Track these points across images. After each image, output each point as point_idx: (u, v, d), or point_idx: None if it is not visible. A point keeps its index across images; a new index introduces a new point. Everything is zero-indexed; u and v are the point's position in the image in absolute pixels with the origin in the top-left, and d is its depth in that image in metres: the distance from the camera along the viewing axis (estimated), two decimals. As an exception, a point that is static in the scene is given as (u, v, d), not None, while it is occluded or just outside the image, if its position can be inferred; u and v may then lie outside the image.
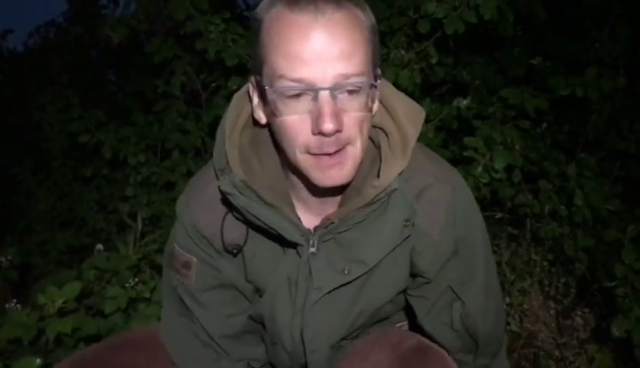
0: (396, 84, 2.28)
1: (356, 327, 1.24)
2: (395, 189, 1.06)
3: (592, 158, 2.74)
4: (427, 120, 2.51)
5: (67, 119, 3.38)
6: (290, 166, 1.08)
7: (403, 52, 2.35)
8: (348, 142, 0.99)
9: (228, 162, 1.08)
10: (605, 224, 2.59)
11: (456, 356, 1.26)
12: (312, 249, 1.11)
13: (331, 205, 1.15)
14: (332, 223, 1.09)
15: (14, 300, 1.97)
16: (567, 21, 3.06)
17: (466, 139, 2.35)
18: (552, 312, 2.72)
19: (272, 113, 1.00)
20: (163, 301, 1.32)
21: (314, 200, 1.14)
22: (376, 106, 1.06)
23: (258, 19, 0.98)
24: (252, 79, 1.06)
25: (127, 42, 3.44)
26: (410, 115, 1.08)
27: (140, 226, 2.48)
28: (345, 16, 0.94)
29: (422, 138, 1.16)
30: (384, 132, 1.10)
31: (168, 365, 1.29)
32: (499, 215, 2.85)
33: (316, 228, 1.13)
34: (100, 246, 2.30)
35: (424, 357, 1.18)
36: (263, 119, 1.07)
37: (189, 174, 3.15)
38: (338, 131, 0.95)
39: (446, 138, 2.73)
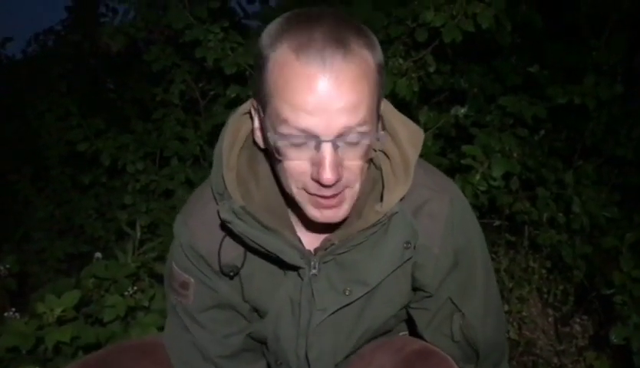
0: (394, 93, 2.30)
1: (360, 344, 1.24)
2: (396, 212, 1.06)
3: (589, 165, 2.75)
4: (425, 128, 2.52)
5: (66, 127, 3.39)
6: (286, 195, 1.08)
7: (401, 61, 2.36)
8: (346, 186, 0.99)
9: (226, 187, 1.07)
10: (603, 231, 2.59)
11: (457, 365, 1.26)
12: (313, 271, 1.11)
13: (331, 226, 1.13)
14: (333, 244, 1.09)
15: (13, 309, 1.97)
16: (564, 29, 3.07)
17: (465, 148, 2.35)
18: (550, 319, 2.72)
19: (272, 150, 0.99)
20: (167, 312, 1.32)
21: (313, 221, 1.14)
22: (376, 151, 1.07)
23: (264, 56, 0.95)
24: (255, 103, 1.04)
25: (126, 50, 3.46)
26: (411, 137, 1.08)
27: (138, 234, 2.48)
28: (353, 65, 0.91)
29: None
30: (385, 154, 1.09)
31: None
32: (497, 223, 2.86)
33: (316, 250, 1.13)
34: (98, 254, 2.30)
35: (428, 361, 1.18)
36: (262, 144, 1.07)
37: (188, 182, 3.16)
38: (337, 181, 0.95)
39: (444, 146, 2.73)
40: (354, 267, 1.11)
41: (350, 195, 1.01)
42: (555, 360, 2.53)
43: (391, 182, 1.07)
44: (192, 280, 1.20)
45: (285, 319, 1.20)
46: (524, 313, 2.67)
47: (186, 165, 3.21)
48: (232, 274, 1.15)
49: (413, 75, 2.37)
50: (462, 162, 2.34)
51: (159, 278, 2.35)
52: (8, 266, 2.48)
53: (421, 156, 1.12)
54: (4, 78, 5.31)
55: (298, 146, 0.94)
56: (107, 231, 3.38)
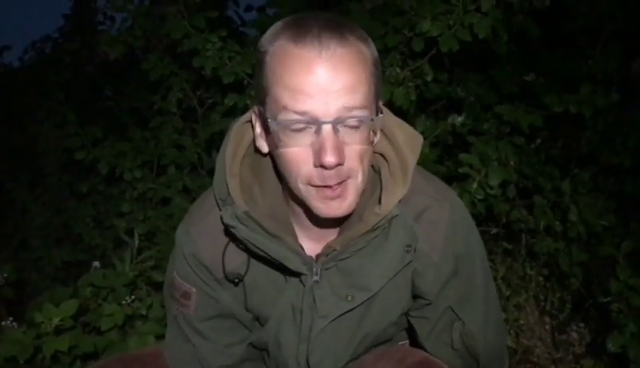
0: (391, 102, 2.31)
1: (361, 351, 1.24)
2: (396, 215, 1.06)
3: (586, 173, 2.76)
4: (422, 137, 2.53)
5: (64, 135, 3.39)
6: (291, 195, 1.08)
7: (398, 70, 2.37)
8: (349, 176, 0.99)
9: (229, 193, 1.08)
10: (600, 239, 2.60)
11: None
12: (315, 277, 1.12)
13: (332, 232, 1.15)
14: (334, 250, 1.10)
15: (11, 318, 1.96)
16: (560, 38, 3.09)
17: (462, 156, 2.36)
18: (547, 327, 2.73)
19: (274, 144, 1.01)
20: (168, 322, 1.32)
21: (315, 227, 1.14)
22: (377, 137, 1.07)
23: (262, 51, 0.98)
24: (255, 109, 1.06)
25: (124, 58, 3.47)
26: (409, 141, 1.09)
27: (136, 242, 2.48)
28: (349, 51, 0.94)
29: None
30: (384, 157, 1.10)
31: None
32: (494, 231, 2.86)
33: (318, 256, 1.13)
34: (96, 263, 2.30)
35: None
36: (265, 149, 1.07)
37: (185, 190, 3.16)
38: (339, 164, 0.96)
39: (441, 154, 2.74)
40: (355, 273, 1.11)
41: (354, 186, 1.01)
42: (553, 368, 2.53)
43: (390, 184, 1.08)
44: (193, 289, 1.20)
45: (287, 325, 1.20)
46: (521, 321, 2.67)
47: (184, 173, 3.21)
48: (236, 280, 1.15)
49: (410, 84, 2.38)
50: (459, 170, 2.35)
51: (156, 287, 2.35)
52: (5, 274, 2.48)
53: (419, 163, 1.13)
54: (1, 86, 5.31)
55: (298, 131, 0.96)
56: (105, 239, 3.38)
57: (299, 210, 1.12)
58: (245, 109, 2.28)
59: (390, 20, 2.49)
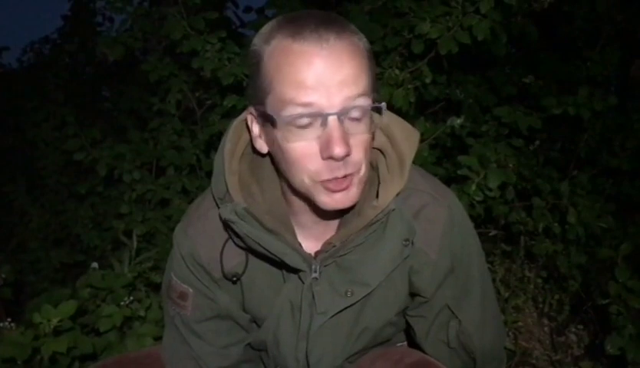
0: (390, 103, 2.31)
1: (359, 348, 1.24)
2: (393, 210, 1.07)
3: (584, 175, 2.77)
4: (421, 139, 2.53)
5: (62, 136, 3.38)
6: (293, 192, 1.08)
7: (397, 71, 2.37)
8: (356, 167, 1.00)
9: (228, 191, 1.08)
10: (598, 241, 2.61)
11: None
12: (315, 274, 1.12)
13: (330, 229, 1.15)
14: (333, 247, 1.10)
15: (9, 319, 1.96)
16: (559, 40, 3.10)
17: (461, 158, 2.36)
18: (546, 329, 2.73)
19: (276, 142, 1.01)
20: (165, 324, 1.32)
21: (314, 225, 1.14)
22: (377, 130, 1.08)
23: (258, 51, 0.99)
24: (252, 110, 1.06)
25: (123, 59, 3.46)
26: (406, 136, 1.10)
27: (135, 244, 2.48)
28: (347, 43, 0.96)
29: (417, 156, 1.18)
30: (382, 152, 1.11)
31: None
32: (493, 233, 2.87)
33: (317, 253, 1.13)
34: (95, 264, 2.30)
35: None
36: (265, 149, 1.07)
37: (184, 191, 3.16)
38: (347, 155, 0.97)
39: (440, 156, 2.75)
40: (354, 269, 1.12)
41: (358, 179, 1.02)
42: (551, 370, 2.53)
43: (387, 178, 1.09)
44: (190, 290, 1.21)
45: (286, 323, 1.20)
46: (520, 323, 2.67)
47: (183, 174, 3.21)
48: (234, 279, 1.15)
49: (409, 86, 2.38)
50: (458, 172, 2.36)
51: (155, 288, 2.35)
52: (3, 275, 2.48)
53: (418, 164, 1.14)
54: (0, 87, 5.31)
55: (304, 127, 0.96)
56: (103, 240, 3.37)
57: (299, 208, 1.13)
58: (245, 110, 2.28)
59: (389, 22, 2.49)
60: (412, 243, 1.10)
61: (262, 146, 1.08)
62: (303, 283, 1.14)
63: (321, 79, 0.93)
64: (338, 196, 1.01)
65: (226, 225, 1.08)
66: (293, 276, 1.16)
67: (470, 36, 2.23)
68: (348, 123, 0.97)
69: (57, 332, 1.81)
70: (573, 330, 2.69)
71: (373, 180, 1.12)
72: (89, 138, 3.25)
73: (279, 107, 0.96)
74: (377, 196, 1.08)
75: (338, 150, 0.95)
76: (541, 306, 2.75)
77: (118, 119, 4.26)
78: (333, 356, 1.22)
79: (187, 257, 1.19)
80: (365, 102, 0.97)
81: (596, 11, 2.97)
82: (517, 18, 2.64)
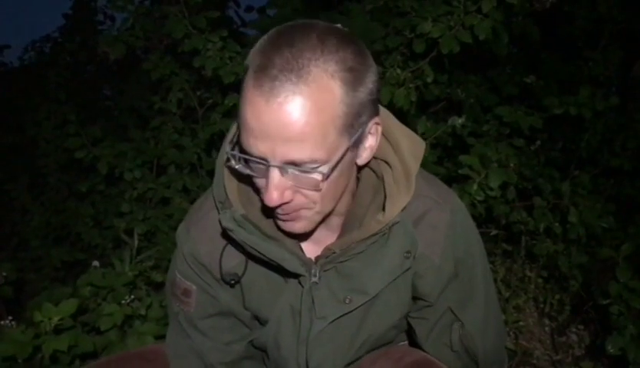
0: (392, 103, 2.31)
1: (362, 354, 1.25)
2: (397, 222, 1.06)
3: (585, 175, 2.77)
4: (422, 138, 2.53)
5: (63, 135, 3.38)
6: None
7: (399, 71, 2.37)
8: (300, 208, 1.00)
9: (227, 196, 1.09)
10: (599, 241, 2.61)
11: None
12: (314, 278, 1.12)
13: (333, 234, 1.15)
14: (334, 253, 1.10)
15: (10, 317, 1.96)
16: (560, 40, 3.10)
17: (462, 158, 2.36)
18: (547, 329, 2.73)
19: None
20: (169, 319, 1.33)
21: (315, 229, 1.14)
22: (369, 151, 1.04)
23: (245, 69, 0.96)
24: None
25: (124, 58, 3.46)
26: (412, 148, 1.08)
27: (136, 242, 2.48)
28: (305, 97, 0.88)
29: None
30: (388, 164, 1.09)
31: None
32: (494, 232, 2.86)
33: (317, 258, 1.13)
34: (96, 263, 2.29)
35: None
36: None
37: (185, 190, 3.16)
38: (279, 205, 0.97)
39: (441, 155, 2.75)
40: (354, 276, 1.12)
41: (307, 215, 1.02)
42: (552, 370, 2.53)
43: (394, 192, 1.07)
44: (194, 287, 1.21)
45: (286, 327, 1.20)
46: (521, 323, 2.67)
47: (184, 173, 3.21)
48: (233, 282, 1.16)
49: (410, 85, 2.38)
50: (459, 171, 2.35)
51: (156, 287, 2.35)
52: (4, 274, 2.47)
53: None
54: (1, 85, 5.31)
55: (255, 164, 0.96)
56: (104, 239, 3.37)
57: None
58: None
59: (391, 21, 2.49)
60: (414, 257, 1.10)
61: None
62: (303, 287, 1.14)
63: (265, 133, 0.89)
64: (285, 225, 1.04)
65: (224, 232, 1.09)
66: (293, 280, 1.16)
67: (472, 35, 2.23)
68: (293, 175, 0.95)
69: (57, 330, 1.81)
70: (574, 330, 2.69)
71: (378, 190, 1.11)
72: (90, 136, 3.25)
73: (241, 140, 0.96)
74: (382, 208, 1.07)
75: (267, 200, 0.95)
76: (542, 306, 2.75)
77: (119, 118, 4.26)
78: (334, 362, 1.22)
79: (189, 256, 1.19)
80: (312, 165, 0.93)
81: (598, 11, 2.97)
82: (519, 18, 2.64)
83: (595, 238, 2.62)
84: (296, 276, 1.13)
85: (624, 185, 2.91)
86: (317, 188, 0.96)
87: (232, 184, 1.09)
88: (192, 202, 3.11)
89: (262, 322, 1.25)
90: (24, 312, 2.16)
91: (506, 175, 2.31)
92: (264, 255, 1.07)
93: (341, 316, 1.14)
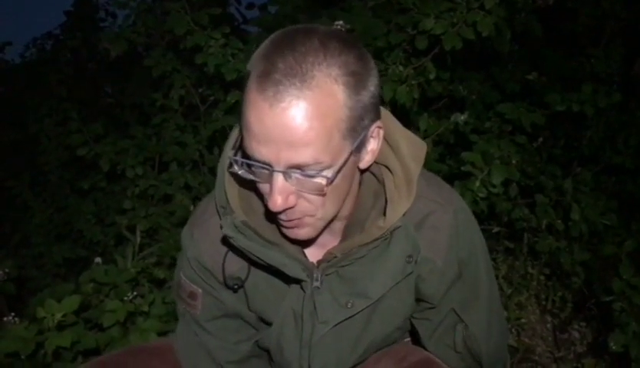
0: (394, 100, 2.31)
1: (365, 358, 1.25)
2: (399, 227, 1.06)
3: (587, 172, 2.77)
4: (424, 135, 2.53)
5: (65, 132, 3.38)
6: None
7: (401, 68, 2.36)
8: (303, 215, 1.00)
9: (228, 202, 1.09)
10: (602, 238, 2.61)
11: None
12: (316, 283, 1.12)
13: (334, 238, 1.15)
14: (335, 257, 1.10)
15: (13, 314, 1.96)
16: (563, 37, 3.10)
17: (464, 154, 2.36)
18: (549, 326, 2.73)
19: None
20: (178, 315, 1.34)
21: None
22: (371, 155, 1.04)
23: (247, 73, 0.95)
24: None
25: (125, 55, 3.46)
26: (413, 150, 1.08)
27: (138, 239, 2.49)
28: (309, 101, 0.88)
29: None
30: (388, 169, 1.09)
31: None
32: (496, 229, 2.86)
33: (319, 262, 1.13)
34: (98, 259, 2.30)
35: None
36: None
37: (187, 187, 3.16)
38: (284, 210, 0.97)
39: (443, 152, 2.74)
40: (356, 280, 1.11)
41: (310, 222, 1.02)
42: (554, 367, 2.53)
43: (395, 197, 1.07)
44: (199, 290, 1.22)
45: (289, 331, 1.20)
46: (523, 320, 2.67)
47: (185, 170, 3.21)
48: (236, 286, 1.16)
49: (413, 82, 2.37)
50: (462, 168, 2.35)
51: (158, 284, 2.35)
52: (6, 270, 2.48)
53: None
54: (2, 82, 5.30)
55: (258, 169, 0.96)
56: (106, 235, 3.37)
57: None
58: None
59: (393, 18, 2.48)
60: (415, 261, 1.09)
61: None
62: (304, 292, 1.15)
63: (268, 137, 0.89)
64: (290, 232, 1.05)
65: (226, 239, 1.09)
66: (295, 285, 1.16)
67: (475, 32, 2.22)
68: (296, 180, 0.95)
69: (60, 327, 1.82)
70: (576, 327, 2.69)
71: (379, 194, 1.11)
72: (92, 133, 3.25)
73: (244, 145, 0.95)
74: (383, 213, 1.07)
75: (271, 205, 0.95)
76: (544, 303, 2.75)
77: (121, 115, 4.26)
78: (336, 365, 1.22)
79: (193, 260, 1.20)
80: (316, 168, 0.93)
81: (600, 7, 2.97)
82: (521, 15, 2.63)
83: (597, 235, 2.62)
84: (298, 281, 1.13)
85: (626, 183, 2.91)
86: (321, 193, 0.96)
87: (233, 189, 1.09)
88: (194, 199, 3.11)
89: (267, 323, 1.25)
90: (26, 308, 2.16)
91: (509, 172, 2.31)
92: (264, 261, 1.07)
93: (343, 320, 1.14)
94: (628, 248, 2.21)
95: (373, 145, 1.02)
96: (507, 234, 2.89)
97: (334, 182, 0.95)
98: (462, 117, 2.51)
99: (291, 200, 0.96)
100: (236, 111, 2.84)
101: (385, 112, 1.07)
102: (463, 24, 2.24)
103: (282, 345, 1.22)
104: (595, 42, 2.88)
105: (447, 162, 2.69)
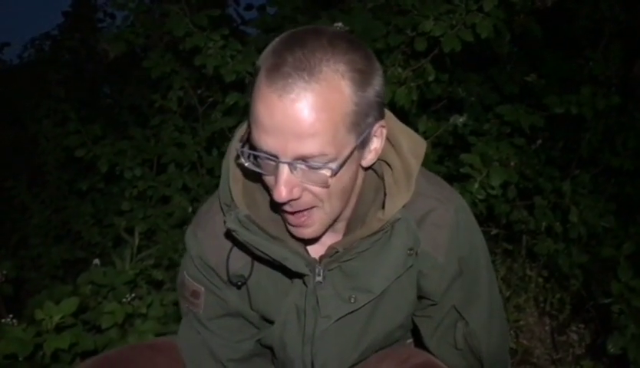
0: (393, 102, 2.31)
1: (368, 354, 1.25)
2: (399, 219, 1.07)
3: (586, 175, 2.77)
4: (424, 137, 2.53)
5: (63, 133, 3.37)
6: None
7: (400, 70, 2.36)
8: (312, 205, 1.03)
9: (233, 199, 1.10)
10: (600, 240, 2.61)
11: None
12: (318, 278, 1.13)
13: (337, 233, 1.17)
14: (337, 252, 1.11)
15: (11, 315, 1.96)
16: (562, 39, 3.10)
17: (463, 156, 2.36)
18: (547, 328, 2.73)
19: None
20: (181, 314, 1.35)
21: None
22: (374, 153, 1.06)
23: (256, 69, 0.98)
24: None
25: (124, 56, 3.46)
26: (413, 148, 1.10)
27: (136, 241, 2.48)
28: (317, 94, 0.91)
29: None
30: (388, 164, 1.11)
31: None
32: (494, 231, 2.87)
33: (322, 257, 1.14)
34: (97, 261, 2.29)
35: None
36: None
37: (185, 188, 3.16)
38: (289, 201, 1.00)
39: (442, 154, 2.75)
40: (358, 275, 1.12)
41: (319, 216, 1.05)
42: (552, 369, 2.53)
43: (393, 190, 1.08)
44: (202, 289, 1.23)
45: (291, 326, 1.21)
46: (521, 322, 2.68)
47: (184, 171, 3.20)
48: (239, 283, 1.17)
49: (412, 84, 2.37)
50: (460, 170, 2.35)
51: (157, 285, 2.35)
52: (4, 272, 2.47)
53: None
54: (1, 83, 5.30)
55: (264, 161, 0.99)
56: (104, 237, 3.36)
57: None
58: (246, 108, 2.27)
59: (392, 19, 2.48)
60: (416, 253, 1.10)
61: None
62: (307, 287, 1.15)
63: (276, 128, 0.93)
64: (297, 230, 1.08)
65: (230, 233, 1.10)
66: (298, 280, 1.17)
67: (474, 34, 2.23)
68: (302, 171, 0.98)
69: (59, 328, 1.81)
70: (574, 329, 2.69)
71: (378, 189, 1.12)
72: (90, 134, 3.23)
73: (252, 137, 0.98)
74: (382, 206, 1.08)
75: (276, 196, 0.98)
76: (542, 305, 2.75)
77: (119, 116, 4.25)
78: (340, 362, 1.22)
79: (197, 259, 1.21)
80: (322, 160, 0.96)
81: (599, 10, 2.97)
82: (520, 17, 2.63)
83: (595, 238, 2.62)
84: (300, 276, 1.14)
85: (625, 185, 2.91)
86: (325, 185, 0.99)
87: (237, 186, 1.11)
88: (192, 200, 3.11)
89: (269, 322, 1.26)
90: (24, 310, 2.16)
91: (507, 174, 2.32)
92: (268, 255, 1.08)
93: (345, 315, 1.15)
94: (627, 250, 2.21)
95: (376, 144, 1.05)
96: (506, 236, 2.89)
97: (338, 175, 0.98)
98: (461, 119, 2.51)
99: (296, 192, 0.99)
100: (235, 113, 2.84)
101: (386, 110, 1.09)
102: (462, 26, 2.25)
103: (284, 341, 1.23)
104: (593, 44, 2.88)
105: (445, 163, 2.70)
